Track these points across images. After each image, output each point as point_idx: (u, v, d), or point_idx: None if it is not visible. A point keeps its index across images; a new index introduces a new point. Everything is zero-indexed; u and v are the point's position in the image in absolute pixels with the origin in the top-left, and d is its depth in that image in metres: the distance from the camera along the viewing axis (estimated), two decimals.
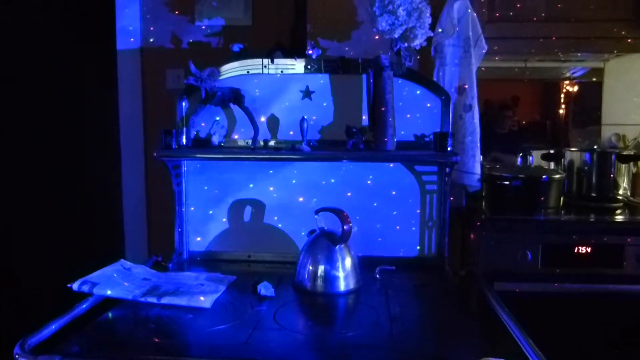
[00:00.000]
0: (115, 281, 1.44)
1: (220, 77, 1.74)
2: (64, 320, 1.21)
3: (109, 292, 1.37)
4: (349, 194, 1.78)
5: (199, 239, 1.83)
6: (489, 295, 1.35)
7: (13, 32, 2.67)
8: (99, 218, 2.64)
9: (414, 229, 1.79)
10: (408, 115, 1.75)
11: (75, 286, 1.38)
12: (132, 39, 2.19)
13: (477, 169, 1.96)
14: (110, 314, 1.31)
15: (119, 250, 2.23)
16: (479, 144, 1.95)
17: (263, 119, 1.77)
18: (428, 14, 1.62)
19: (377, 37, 1.79)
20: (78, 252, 2.66)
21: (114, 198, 2.27)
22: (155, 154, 1.61)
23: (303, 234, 1.69)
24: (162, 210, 2.21)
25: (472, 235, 1.94)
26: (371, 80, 1.65)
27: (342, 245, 1.52)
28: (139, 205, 2.21)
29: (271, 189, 1.80)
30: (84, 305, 1.32)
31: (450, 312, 1.39)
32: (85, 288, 1.38)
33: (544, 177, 2.09)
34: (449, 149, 1.64)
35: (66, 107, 2.70)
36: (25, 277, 2.73)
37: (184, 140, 1.72)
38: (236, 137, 1.80)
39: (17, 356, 1.02)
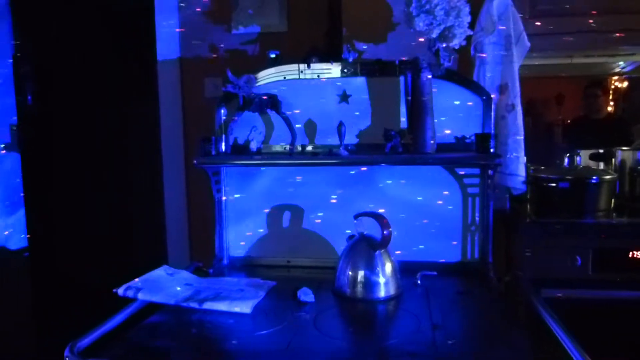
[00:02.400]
0: (159, 286, 1.47)
1: (258, 84, 1.76)
2: (110, 324, 1.24)
3: (152, 297, 1.40)
4: (388, 197, 1.75)
5: (240, 244, 1.84)
6: (537, 302, 1.29)
7: (65, 45, 2.79)
8: (143, 224, 2.71)
9: (455, 233, 1.75)
10: (447, 117, 1.71)
11: (120, 291, 1.42)
12: (171, 50, 2.24)
13: (522, 171, 1.90)
14: (154, 319, 1.34)
15: (162, 256, 2.28)
16: (523, 145, 1.89)
17: (300, 124, 1.77)
18: (467, 12, 1.57)
19: (413, 38, 1.76)
20: (123, 257, 2.73)
21: (157, 204, 2.33)
22: (195, 161, 1.63)
23: (349, 231, 1.66)
24: (202, 216, 2.25)
25: (516, 240, 1.88)
26: (409, 82, 1.63)
27: (382, 251, 1.49)
28: (180, 211, 2.25)
29: (309, 193, 1.79)
30: (129, 310, 1.35)
31: (495, 319, 1.34)
32: (130, 293, 1.41)
33: (593, 178, 1.99)
34: (491, 150, 1.59)
35: (112, 116, 2.79)
36: (73, 282, 2.83)
37: (223, 147, 1.74)
38: (272, 143, 1.80)
39: (67, 359, 1.06)
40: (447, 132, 1.71)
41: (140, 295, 1.40)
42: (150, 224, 2.51)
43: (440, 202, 1.74)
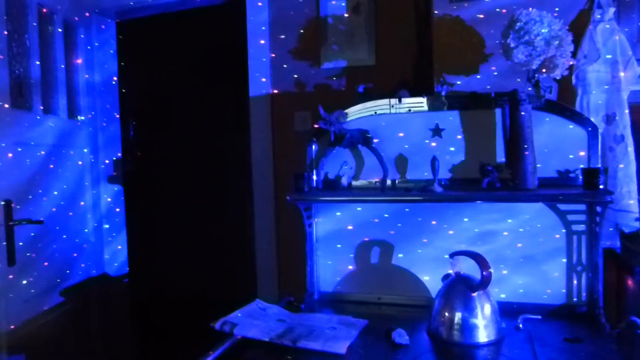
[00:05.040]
0: (253, 322, 1.49)
1: (348, 119, 1.77)
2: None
3: (247, 333, 1.42)
4: (483, 234, 1.68)
5: (330, 279, 1.84)
6: None
7: (164, 82, 3.00)
8: (235, 254, 2.79)
9: (558, 273, 1.63)
10: (548, 150, 1.61)
11: (217, 326, 1.46)
12: (262, 86, 2.32)
13: (634, 207, 1.74)
14: (248, 355, 1.36)
15: (252, 286, 2.32)
16: (635, 179, 1.74)
17: (391, 158, 1.75)
18: (569, 41, 1.50)
19: (509, 69, 1.70)
20: (216, 286, 2.83)
21: (248, 236, 2.39)
22: (288, 198, 1.66)
23: (442, 268, 1.60)
24: (290, 247, 2.28)
25: (630, 282, 1.71)
26: (507, 115, 1.56)
27: (481, 292, 1.42)
28: (269, 243, 2.29)
29: (399, 229, 1.76)
30: (226, 345, 1.38)
31: None
32: (226, 328, 1.44)
33: None
34: (600, 186, 1.47)
35: (206, 151, 2.94)
36: (169, 309, 2.96)
37: (314, 182, 1.76)
38: (363, 177, 1.80)
39: None
40: (548, 166, 1.62)
41: (236, 331, 1.42)
42: (242, 254, 2.58)
43: (541, 240, 1.63)
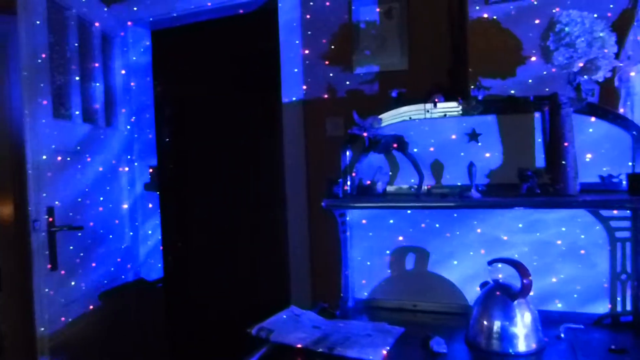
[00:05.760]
0: (288, 328, 1.50)
1: (382, 124, 1.76)
2: None
3: (283, 339, 1.42)
4: (522, 241, 1.64)
5: (364, 285, 1.83)
6: None
7: (198, 87, 3.05)
8: (268, 259, 2.81)
9: (601, 282, 1.58)
10: (590, 155, 1.57)
11: (253, 331, 1.47)
12: (295, 92, 2.34)
13: None
14: None
15: (285, 291, 2.33)
16: None
17: (426, 164, 1.73)
18: (613, 42, 1.46)
19: (547, 72, 1.65)
20: (249, 291, 2.85)
21: (281, 241, 2.40)
22: (323, 204, 1.66)
23: (479, 275, 1.58)
24: (323, 253, 2.28)
25: None
26: (547, 119, 1.52)
27: (521, 300, 1.39)
28: (302, 248, 2.29)
29: (435, 235, 1.74)
30: (262, 351, 1.39)
31: None
32: (263, 334, 1.45)
33: None
34: None
35: (240, 157, 2.97)
36: (203, 313, 3.00)
37: (348, 188, 1.75)
38: (397, 183, 1.78)
39: None
40: (590, 171, 1.57)
41: (272, 337, 1.43)
42: (274, 259, 2.59)
43: (583, 247, 1.59)
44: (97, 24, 2.51)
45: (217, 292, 2.92)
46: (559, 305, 1.61)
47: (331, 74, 2.31)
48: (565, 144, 1.48)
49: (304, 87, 2.34)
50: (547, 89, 1.63)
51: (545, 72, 1.68)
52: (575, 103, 1.51)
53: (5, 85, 2.79)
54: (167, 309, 2.93)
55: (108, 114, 2.60)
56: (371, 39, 2.23)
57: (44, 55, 2.08)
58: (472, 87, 1.72)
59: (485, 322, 1.40)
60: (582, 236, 1.59)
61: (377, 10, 2.23)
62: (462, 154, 1.69)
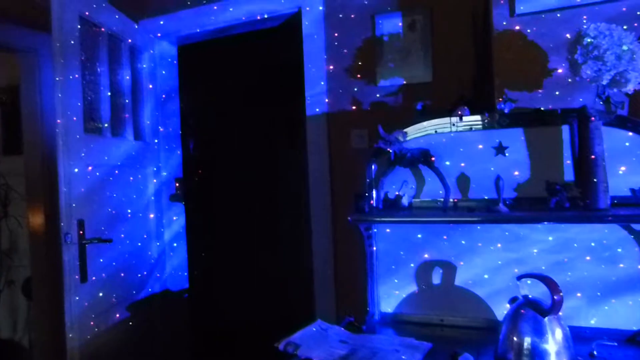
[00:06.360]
0: (315, 343, 1.50)
1: (408, 138, 1.76)
2: None
3: (311, 355, 1.42)
4: (551, 256, 1.62)
5: (390, 299, 1.82)
6: None
7: (222, 99, 3.09)
8: (292, 271, 2.81)
9: (634, 297, 1.55)
10: (623, 168, 1.54)
11: (280, 346, 1.47)
12: (318, 105, 2.35)
13: None
14: None
15: (310, 304, 2.33)
16: None
17: (452, 178, 1.73)
18: None
19: (574, 84, 1.64)
20: (274, 304, 2.86)
21: (306, 253, 2.41)
22: (349, 219, 1.66)
23: (507, 291, 1.56)
24: (347, 266, 2.28)
25: None
26: (575, 132, 1.51)
27: (552, 316, 1.37)
28: (327, 262, 2.29)
29: (462, 249, 1.73)
30: None
31: None
32: (290, 349, 1.46)
33: None
34: None
35: (266, 167, 2.99)
36: (228, 324, 3.02)
37: (374, 202, 1.76)
38: (423, 197, 1.78)
39: None
40: (620, 184, 1.54)
41: (300, 352, 1.43)
42: (299, 271, 2.60)
43: (614, 261, 1.56)
44: (129, 41, 2.57)
45: (241, 303, 2.94)
46: (592, 321, 1.58)
47: (355, 88, 2.33)
48: (595, 157, 1.46)
49: (327, 100, 2.36)
50: (575, 101, 1.61)
51: (572, 84, 1.67)
52: (604, 116, 1.49)
53: (38, 101, 2.88)
54: (192, 319, 2.96)
55: (136, 128, 2.66)
56: (395, 51, 2.24)
57: (77, 76, 2.14)
58: (499, 99, 1.71)
59: (515, 339, 1.38)
60: (614, 251, 1.56)
61: (400, 23, 2.24)
62: (488, 167, 1.68)
